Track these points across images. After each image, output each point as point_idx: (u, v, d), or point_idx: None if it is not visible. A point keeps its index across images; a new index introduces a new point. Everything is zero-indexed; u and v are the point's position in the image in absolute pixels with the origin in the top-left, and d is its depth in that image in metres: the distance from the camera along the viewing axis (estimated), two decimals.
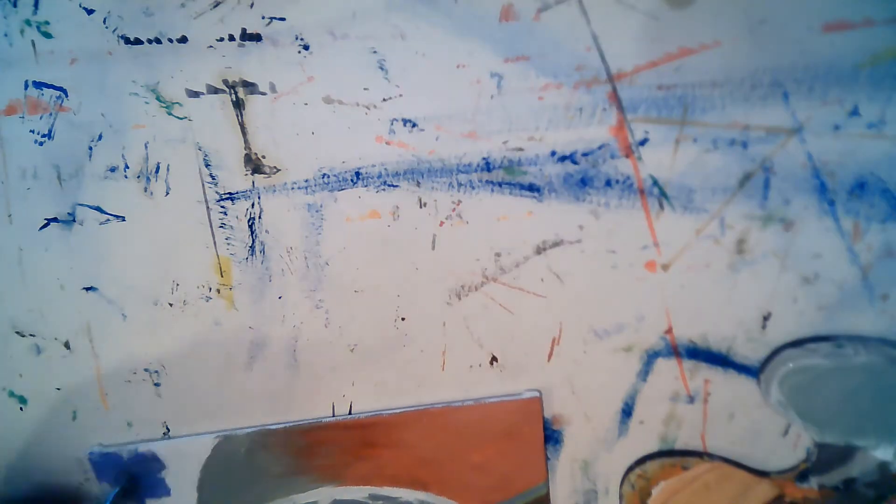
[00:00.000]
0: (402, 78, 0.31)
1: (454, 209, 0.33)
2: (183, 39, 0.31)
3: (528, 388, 0.35)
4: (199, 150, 0.32)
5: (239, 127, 0.32)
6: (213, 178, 0.33)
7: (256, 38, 0.31)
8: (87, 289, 0.35)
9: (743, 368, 0.34)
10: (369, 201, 0.33)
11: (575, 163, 0.32)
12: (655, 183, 0.32)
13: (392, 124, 0.32)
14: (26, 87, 0.32)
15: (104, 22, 0.31)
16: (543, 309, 0.34)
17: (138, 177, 0.33)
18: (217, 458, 0.37)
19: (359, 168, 0.32)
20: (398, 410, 0.36)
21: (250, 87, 0.31)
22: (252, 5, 0.30)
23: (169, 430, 0.38)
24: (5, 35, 0.31)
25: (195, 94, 0.32)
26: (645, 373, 0.34)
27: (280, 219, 0.33)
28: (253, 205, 0.33)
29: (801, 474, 0.35)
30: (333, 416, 0.36)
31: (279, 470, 0.37)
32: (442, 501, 0.37)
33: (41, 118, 0.32)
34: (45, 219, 0.34)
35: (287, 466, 0.37)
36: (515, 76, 0.31)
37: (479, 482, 0.36)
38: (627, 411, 0.35)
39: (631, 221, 0.32)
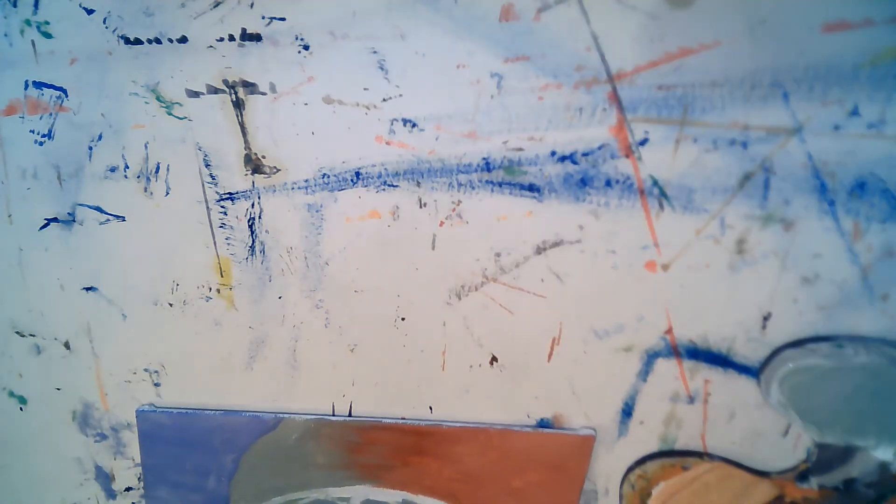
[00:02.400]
0: (402, 78, 0.31)
1: (454, 209, 0.33)
2: (183, 39, 0.31)
3: (584, 425, 0.36)
4: (199, 150, 0.32)
5: (239, 127, 0.32)
6: (213, 178, 0.33)
7: (256, 38, 0.31)
8: (87, 289, 0.35)
9: (743, 368, 0.34)
10: (369, 201, 0.33)
11: (575, 163, 0.32)
12: (655, 183, 0.32)
13: (392, 124, 0.32)
14: (26, 87, 0.32)
15: (104, 22, 0.31)
16: (543, 309, 0.34)
17: (138, 177, 0.33)
18: (267, 439, 0.37)
19: (359, 168, 0.32)
20: (458, 424, 0.36)
21: (250, 87, 0.31)
22: (252, 5, 0.30)
23: None
24: (5, 35, 0.31)
25: (195, 94, 0.32)
26: (645, 373, 0.34)
27: (280, 219, 0.33)
28: (253, 205, 0.33)
29: (801, 474, 0.35)
30: (403, 418, 0.36)
31: (323, 461, 0.37)
32: None
33: (41, 118, 0.32)
34: (45, 219, 0.34)
35: (332, 459, 0.37)
36: (515, 76, 0.31)
37: None
38: (627, 411, 0.35)
39: (631, 221, 0.32)
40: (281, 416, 0.36)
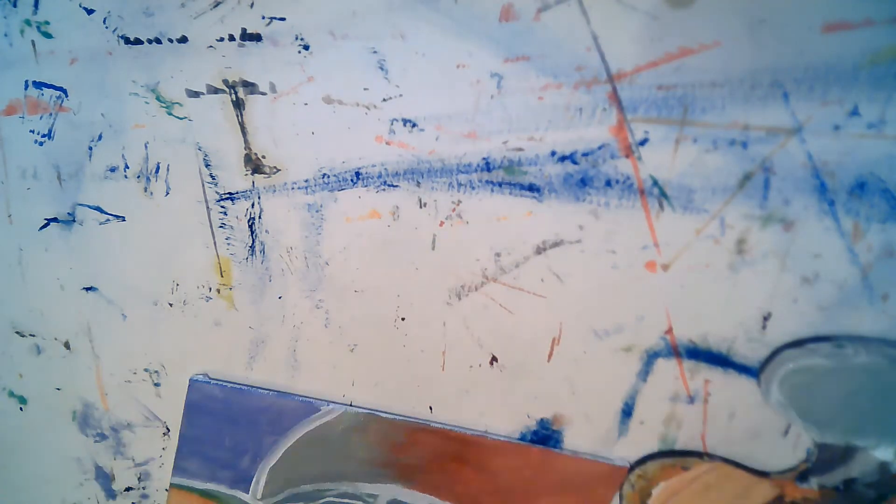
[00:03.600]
0: (402, 78, 0.31)
1: (454, 209, 0.33)
2: (183, 39, 0.31)
3: (619, 456, 0.36)
4: (199, 150, 0.32)
5: (239, 127, 0.32)
6: (213, 178, 0.33)
7: (256, 38, 0.31)
8: (87, 289, 0.35)
9: (743, 368, 0.34)
10: (369, 201, 0.33)
11: (575, 163, 0.32)
12: (655, 183, 0.32)
13: (392, 124, 0.32)
14: (26, 87, 0.32)
15: (104, 22, 0.31)
16: (543, 309, 0.34)
17: (138, 177, 0.33)
18: (313, 426, 0.37)
19: (359, 168, 0.32)
20: (502, 438, 0.36)
21: (250, 87, 0.31)
22: (252, 5, 0.30)
23: (169, 431, 0.38)
24: (5, 35, 0.31)
25: (195, 94, 0.32)
26: (645, 373, 0.34)
27: (280, 219, 0.33)
28: (253, 205, 0.33)
29: (801, 474, 0.35)
30: (438, 423, 0.36)
31: (364, 456, 0.37)
32: None
33: (41, 118, 0.32)
34: (45, 219, 0.34)
35: (372, 455, 0.37)
36: (515, 76, 0.31)
37: None
38: (627, 411, 0.35)
39: (631, 221, 0.32)
40: (333, 404, 0.36)
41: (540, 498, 0.36)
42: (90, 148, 0.33)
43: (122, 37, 0.31)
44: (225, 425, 0.37)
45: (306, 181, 0.33)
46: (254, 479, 0.38)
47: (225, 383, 0.37)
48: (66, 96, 0.32)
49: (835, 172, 0.31)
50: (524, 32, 0.30)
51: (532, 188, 0.32)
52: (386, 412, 0.36)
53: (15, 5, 0.31)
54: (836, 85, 0.29)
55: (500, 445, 0.36)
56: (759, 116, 0.30)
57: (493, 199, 0.32)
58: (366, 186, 0.33)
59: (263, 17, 0.31)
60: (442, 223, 0.33)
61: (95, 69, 0.32)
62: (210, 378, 0.37)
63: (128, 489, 0.41)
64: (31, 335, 0.37)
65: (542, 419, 0.36)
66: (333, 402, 0.36)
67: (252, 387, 0.37)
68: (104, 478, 0.41)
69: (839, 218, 0.31)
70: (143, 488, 0.40)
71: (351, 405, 0.36)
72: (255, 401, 0.36)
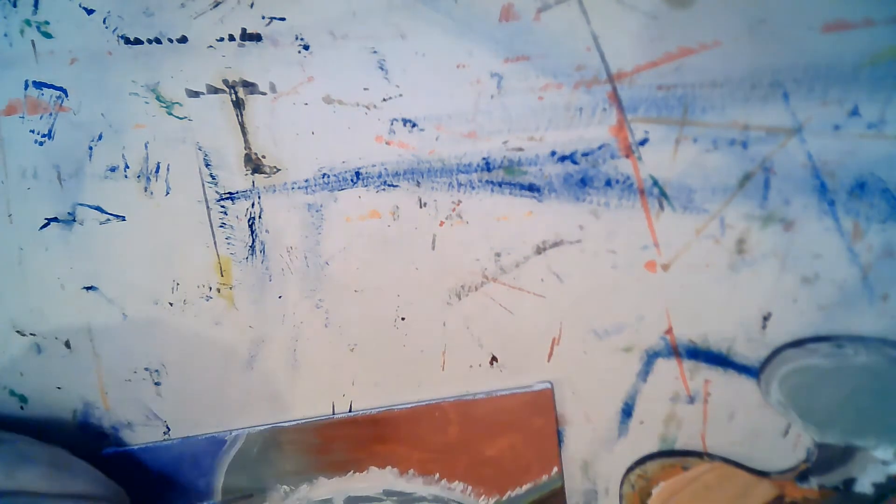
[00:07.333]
0: (402, 78, 0.31)
1: (454, 209, 0.33)
2: (183, 39, 0.31)
3: (538, 380, 0.35)
4: (199, 150, 0.33)
5: (239, 127, 0.32)
6: (214, 178, 0.33)
7: (256, 38, 0.31)
8: (88, 288, 0.35)
9: (743, 368, 0.34)
10: (369, 201, 0.33)
11: (575, 163, 0.32)
12: (655, 183, 0.32)
13: (392, 124, 0.32)
14: (26, 87, 0.32)
15: (104, 22, 0.31)
16: (543, 309, 0.34)
17: (138, 177, 0.33)
18: (232, 457, 0.37)
19: (359, 168, 0.32)
20: (409, 405, 0.36)
21: (250, 87, 0.31)
22: (252, 5, 0.30)
23: (169, 430, 0.38)
24: (5, 35, 0.31)
25: (195, 94, 0.32)
26: (645, 373, 0.34)
27: (280, 219, 0.33)
28: (253, 204, 0.33)
29: (801, 474, 0.35)
30: (333, 414, 0.36)
31: (292, 467, 0.37)
32: (455, 496, 0.37)
33: (41, 118, 0.32)
34: (46, 218, 0.34)
35: (300, 464, 0.37)
36: (515, 76, 0.31)
37: (494, 475, 0.36)
38: (627, 411, 0.35)
39: (631, 221, 0.32)
40: (236, 432, 0.36)
41: (484, 448, 0.36)
42: (90, 148, 0.33)
43: (122, 37, 0.31)
44: (158, 484, 0.37)
45: (306, 181, 0.33)
46: None
47: (133, 447, 0.37)
48: (66, 96, 0.32)
49: (835, 172, 0.31)
50: (524, 32, 0.30)
51: (532, 188, 0.32)
52: (287, 421, 0.36)
53: (15, 5, 0.31)
54: (836, 85, 0.29)
55: (409, 413, 0.35)
56: (759, 116, 0.30)
57: (493, 199, 0.32)
58: (366, 186, 0.33)
59: (263, 17, 0.31)
60: (442, 223, 0.33)
61: (95, 69, 0.32)
62: (118, 447, 0.37)
63: None
64: (31, 334, 0.37)
65: None
66: (235, 430, 0.36)
67: (156, 443, 0.37)
68: None
69: (839, 218, 0.31)
70: None
71: (246, 428, 0.36)
72: (166, 453, 0.37)
